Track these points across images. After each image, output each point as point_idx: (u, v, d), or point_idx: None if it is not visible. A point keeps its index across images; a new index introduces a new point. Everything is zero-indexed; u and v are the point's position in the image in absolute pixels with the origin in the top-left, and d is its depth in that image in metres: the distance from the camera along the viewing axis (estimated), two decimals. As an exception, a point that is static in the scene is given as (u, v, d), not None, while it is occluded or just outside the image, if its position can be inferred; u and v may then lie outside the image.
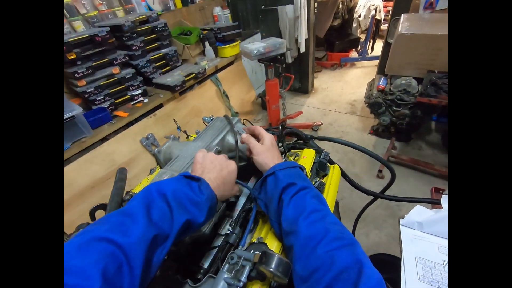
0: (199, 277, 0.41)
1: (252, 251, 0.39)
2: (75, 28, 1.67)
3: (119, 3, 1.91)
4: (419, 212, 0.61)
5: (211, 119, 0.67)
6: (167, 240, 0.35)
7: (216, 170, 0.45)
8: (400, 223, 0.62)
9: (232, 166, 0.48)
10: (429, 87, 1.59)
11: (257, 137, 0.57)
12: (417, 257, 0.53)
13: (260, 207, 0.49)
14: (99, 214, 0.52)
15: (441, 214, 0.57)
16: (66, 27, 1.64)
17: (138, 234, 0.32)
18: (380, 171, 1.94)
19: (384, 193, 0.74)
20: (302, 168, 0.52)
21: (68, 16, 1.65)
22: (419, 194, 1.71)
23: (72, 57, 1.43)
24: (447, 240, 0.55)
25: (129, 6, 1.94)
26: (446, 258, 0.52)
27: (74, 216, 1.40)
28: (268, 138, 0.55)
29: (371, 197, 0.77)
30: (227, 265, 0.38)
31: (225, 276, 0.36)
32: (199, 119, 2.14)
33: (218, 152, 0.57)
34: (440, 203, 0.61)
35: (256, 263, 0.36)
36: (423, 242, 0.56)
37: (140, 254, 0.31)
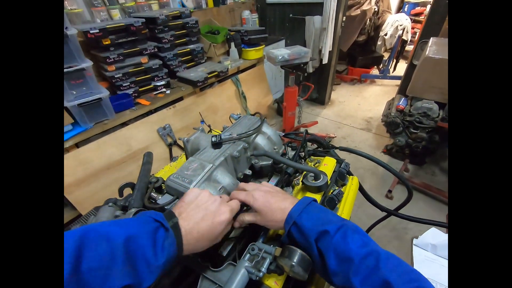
0: (217, 263, 0.42)
1: (271, 245, 0.40)
2: (112, 16, 1.76)
3: (155, -4, 2.00)
4: (434, 235, 0.61)
5: (238, 117, 0.70)
6: None
7: (195, 219, 0.37)
8: (413, 242, 0.62)
9: (221, 217, 0.39)
10: (451, 113, 1.57)
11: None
12: (428, 279, 0.53)
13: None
14: (126, 192, 0.55)
15: (457, 240, 0.57)
16: (104, 14, 1.73)
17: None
18: (389, 191, 1.91)
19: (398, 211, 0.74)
20: (315, 200, 0.43)
21: (108, 4, 1.74)
22: (427, 220, 1.67)
23: (107, 42, 1.50)
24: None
25: (164, 0, 2.03)
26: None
27: (87, 194, 1.46)
28: (258, 188, 0.45)
29: (378, 215, 0.77)
30: (248, 255, 0.39)
31: (246, 264, 0.38)
32: (216, 116, 2.18)
33: (245, 149, 0.58)
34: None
35: (276, 257, 0.38)
36: (436, 264, 0.56)
37: None
